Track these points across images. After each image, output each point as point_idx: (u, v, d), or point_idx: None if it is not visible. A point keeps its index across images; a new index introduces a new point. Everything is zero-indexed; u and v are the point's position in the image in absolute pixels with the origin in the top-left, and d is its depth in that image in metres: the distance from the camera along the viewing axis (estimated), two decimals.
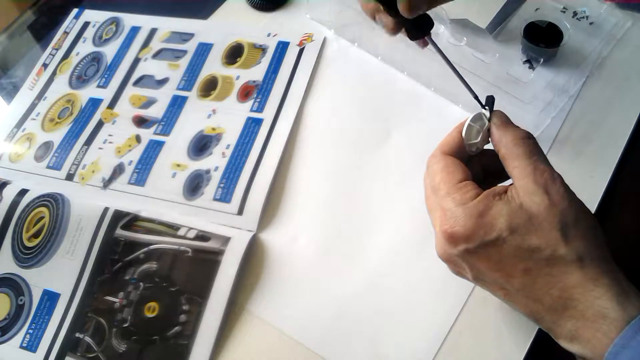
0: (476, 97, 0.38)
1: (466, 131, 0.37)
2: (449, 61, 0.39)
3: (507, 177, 0.37)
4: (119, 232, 0.50)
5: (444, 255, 0.36)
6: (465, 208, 0.34)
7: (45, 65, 0.65)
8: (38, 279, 0.49)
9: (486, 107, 0.37)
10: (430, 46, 0.39)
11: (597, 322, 0.30)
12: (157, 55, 0.62)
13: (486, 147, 0.39)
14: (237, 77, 0.59)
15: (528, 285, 0.33)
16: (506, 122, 0.37)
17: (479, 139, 0.37)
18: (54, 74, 0.64)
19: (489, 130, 0.37)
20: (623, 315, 0.30)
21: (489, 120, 0.37)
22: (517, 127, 0.36)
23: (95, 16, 0.68)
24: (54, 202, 0.52)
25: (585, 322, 0.31)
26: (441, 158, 0.37)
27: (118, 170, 0.55)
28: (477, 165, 0.39)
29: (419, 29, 0.38)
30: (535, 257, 0.32)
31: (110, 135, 0.57)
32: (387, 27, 0.38)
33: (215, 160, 0.53)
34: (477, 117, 0.37)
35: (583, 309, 0.31)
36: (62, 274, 0.49)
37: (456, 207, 0.34)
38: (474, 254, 0.34)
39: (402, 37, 0.40)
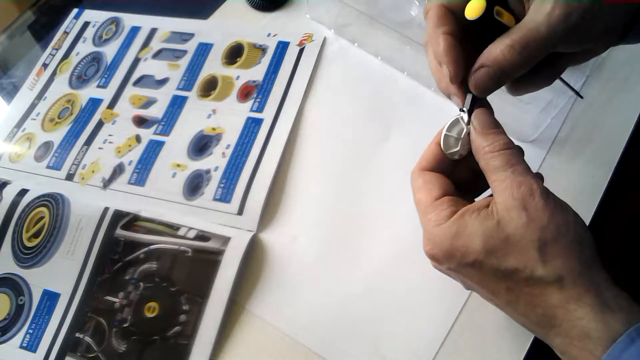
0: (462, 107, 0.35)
1: (444, 142, 0.35)
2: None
3: None
4: (119, 232, 0.50)
5: (435, 268, 0.36)
6: (440, 229, 0.33)
7: (45, 65, 0.65)
8: (38, 279, 0.49)
9: (464, 110, 0.35)
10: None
11: (583, 341, 0.30)
12: (157, 55, 0.62)
13: None
14: (237, 77, 0.59)
15: (513, 302, 0.32)
16: (486, 126, 0.34)
17: (459, 146, 0.35)
18: (54, 74, 0.64)
19: (469, 134, 0.35)
20: (607, 334, 0.29)
21: (469, 123, 0.34)
22: (497, 133, 0.34)
23: (95, 16, 0.68)
24: (54, 202, 0.52)
25: (572, 341, 0.31)
26: (419, 175, 0.36)
27: (118, 170, 0.55)
28: (465, 168, 0.37)
29: None
30: (514, 278, 0.31)
31: (110, 135, 0.57)
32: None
33: (215, 160, 0.53)
34: (454, 123, 0.35)
35: (568, 328, 0.31)
36: (62, 274, 0.49)
37: (432, 228, 0.33)
38: (458, 271, 0.34)
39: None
